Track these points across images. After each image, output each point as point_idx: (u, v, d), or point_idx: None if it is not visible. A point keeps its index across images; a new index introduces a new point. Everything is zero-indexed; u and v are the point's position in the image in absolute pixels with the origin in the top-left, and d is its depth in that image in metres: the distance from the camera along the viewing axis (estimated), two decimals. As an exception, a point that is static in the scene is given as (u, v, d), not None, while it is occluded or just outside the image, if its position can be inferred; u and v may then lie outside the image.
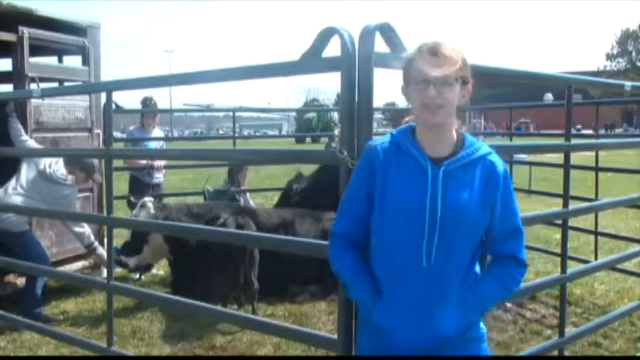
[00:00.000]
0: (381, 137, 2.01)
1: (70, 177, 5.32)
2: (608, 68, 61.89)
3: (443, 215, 1.84)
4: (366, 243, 2.05)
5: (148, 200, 5.80)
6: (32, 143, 5.37)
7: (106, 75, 6.49)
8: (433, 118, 1.86)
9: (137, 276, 6.60)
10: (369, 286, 1.97)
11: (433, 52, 1.85)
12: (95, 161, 5.53)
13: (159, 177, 7.46)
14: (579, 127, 21.82)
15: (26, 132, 5.45)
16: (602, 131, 24.61)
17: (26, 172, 5.26)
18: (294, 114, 62.65)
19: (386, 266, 1.94)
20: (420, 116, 1.89)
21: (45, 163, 5.29)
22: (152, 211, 5.67)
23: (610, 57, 63.93)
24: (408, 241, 1.87)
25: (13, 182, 5.23)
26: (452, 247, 1.86)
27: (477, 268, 2.00)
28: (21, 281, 5.44)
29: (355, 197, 2.00)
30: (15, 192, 5.16)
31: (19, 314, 4.66)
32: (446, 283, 1.89)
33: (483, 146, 1.96)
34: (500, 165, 1.95)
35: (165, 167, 7.66)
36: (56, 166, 5.30)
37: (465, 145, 1.94)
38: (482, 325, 2.03)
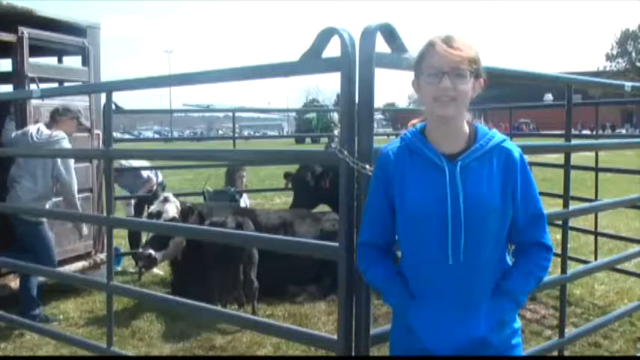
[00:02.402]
0: (392, 142, 2.00)
1: (55, 132, 5.12)
2: (607, 69, 61.98)
3: (466, 211, 1.81)
4: (392, 248, 2.06)
5: (170, 195, 5.70)
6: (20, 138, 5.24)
7: (106, 75, 6.50)
8: (445, 111, 1.83)
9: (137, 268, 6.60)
10: (404, 290, 1.96)
11: (447, 43, 1.82)
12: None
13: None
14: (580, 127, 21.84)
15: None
16: (601, 132, 24.58)
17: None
18: (293, 114, 62.64)
19: (415, 268, 1.93)
20: (433, 110, 1.86)
21: (28, 134, 5.12)
22: (179, 205, 5.59)
23: (610, 57, 64.00)
24: (434, 241, 1.85)
25: (11, 171, 5.19)
26: (480, 241, 1.83)
27: (508, 260, 1.98)
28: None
29: (375, 205, 2.00)
30: (16, 177, 5.10)
31: (19, 315, 4.65)
32: (476, 279, 1.86)
33: (497, 135, 1.92)
34: (516, 151, 1.91)
35: (164, 168, 7.69)
36: (38, 132, 5.12)
37: (477, 136, 1.90)
38: (517, 319, 1.99)
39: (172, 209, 5.53)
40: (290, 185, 7.46)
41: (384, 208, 1.97)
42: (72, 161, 5.27)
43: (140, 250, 5.53)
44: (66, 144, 5.17)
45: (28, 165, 5.09)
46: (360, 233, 2.08)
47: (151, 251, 5.28)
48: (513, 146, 1.93)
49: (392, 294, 1.98)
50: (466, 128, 1.92)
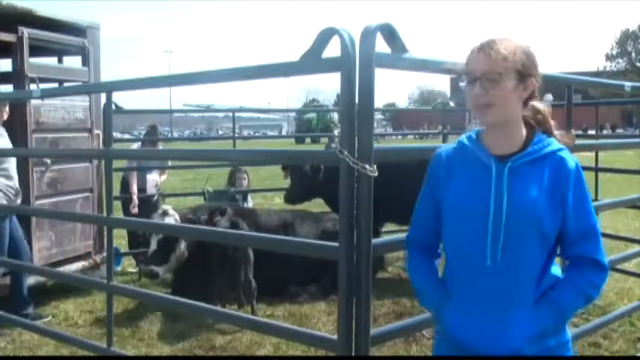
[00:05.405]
0: (449, 144, 2.01)
1: None
2: (607, 69, 62.00)
3: (509, 213, 1.78)
4: (435, 249, 2.05)
5: (169, 208, 5.59)
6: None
7: (106, 75, 6.51)
8: (484, 118, 1.82)
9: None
10: (435, 289, 1.96)
11: (482, 48, 1.80)
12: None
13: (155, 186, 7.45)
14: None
15: (26, 132, 5.45)
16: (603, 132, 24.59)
17: None
18: (293, 114, 62.65)
19: (454, 267, 1.91)
20: (476, 117, 1.87)
21: None
22: (178, 217, 5.49)
23: (610, 57, 64.02)
24: (473, 241, 1.82)
25: None
26: (519, 245, 1.79)
27: (557, 271, 1.91)
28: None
29: (421, 206, 2.01)
30: None
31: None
32: (515, 283, 1.81)
33: (554, 142, 1.86)
34: (571, 161, 1.83)
35: (164, 168, 7.67)
36: None
37: (533, 141, 1.85)
38: (567, 331, 1.93)
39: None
40: (288, 176, 7.39)
41: (428, 209, 1.98)
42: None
43: (141, 266, 5.55)
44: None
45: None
46: (409, 229, 2.11)
47: (153, 267, 5.32)
48: (570, 156, 1.86)
49: (425, 295, 2.00)
50: (522, 132, 1.87)
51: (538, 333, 1.81)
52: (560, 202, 1.81)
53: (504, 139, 1.86)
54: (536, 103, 1.91)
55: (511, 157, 1.83)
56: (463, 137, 1.95)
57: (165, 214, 5.48)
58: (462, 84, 1.86)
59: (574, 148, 1.99)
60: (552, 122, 1.93)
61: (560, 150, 1.85)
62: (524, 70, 1.81)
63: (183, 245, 5.46)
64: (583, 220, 1.84)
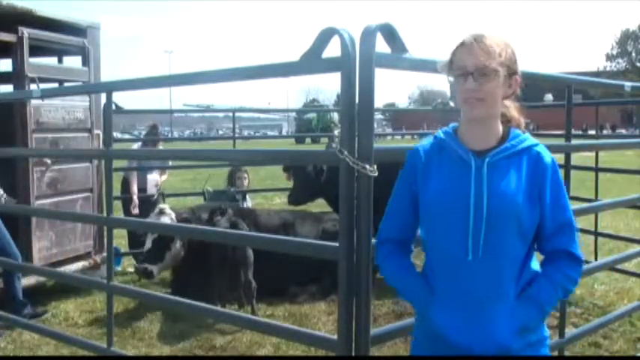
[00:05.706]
0: (425, 139, 2.01)
1: None
2: (607, 69, 62.08)
3: (489, 207, 1.79)
4: (410, 245, 2.05)
5: (166, 207, 5.63)
6: None
7: (106, 75, 6.51)
8: (473, 112, 1.83)
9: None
10: (419, 286, 1.95)
11: (474, 42, 1.80)
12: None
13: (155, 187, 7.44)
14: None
15: (26, 132, 5.46)
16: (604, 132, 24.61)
17: None
18: (294, 114, 62.61)
19: (435, 263, 1.92)
20: (463, 110, 1.86)
21: None
22: (174, 217, 5.51)
23: (610, 57, 64.09)
24: (453, 236, 1.83)
25: None
26: (500, 239, 1.80)
27: (536, 266, 1.93)
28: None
29: (397, 201, 2.01)
30: None
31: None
32: (497, 277, 1.82)
33: (529, 138, 1.90)
34: (547, 156, 1.88)
35: (164, 168, 7.66)
36: None
37: (510, 137, 1.88)
38: (545, 327, 1.95)
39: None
40: (291, 178, 7.38)
41: (405, 204, 1.97)
42: None
43: (136, 265, 5.57)
44: None
45: None
46: (380, 228, 2.08)
47: (147, 265, 5.34)
48: (546, 151, 1.89)
49: (407, 290, 1.99)
50: (499, 128, 1.90)
51: (520, 328, 1.83)
52: (537, 198, 1.84)
53: (484, 134, 1.88)
54: (507, 101, 1.94)
55: (489, 152, 1.85)
56: (440, 132, 1.96)
57: (161, 213, 5.50)
58: (451, 79, 1.88)
59: (575, 149, 2.01)
60: (522, 120, 1.97)
61: (536, 145, 1.89)
62: (513, 66, 1.85)
63: (178, 244, 5.48)
64: (560, 215, 1.88)
